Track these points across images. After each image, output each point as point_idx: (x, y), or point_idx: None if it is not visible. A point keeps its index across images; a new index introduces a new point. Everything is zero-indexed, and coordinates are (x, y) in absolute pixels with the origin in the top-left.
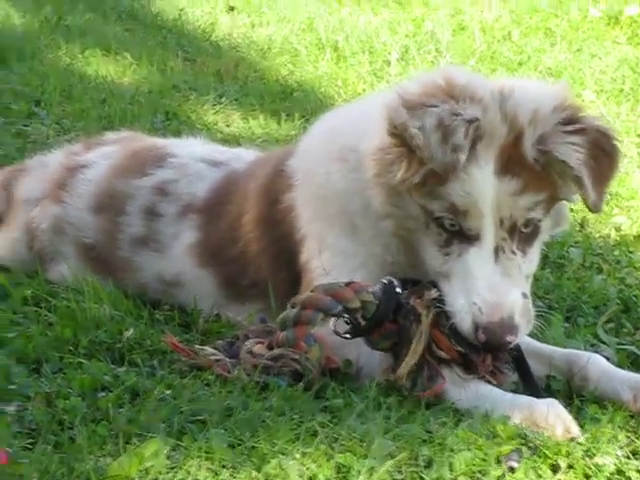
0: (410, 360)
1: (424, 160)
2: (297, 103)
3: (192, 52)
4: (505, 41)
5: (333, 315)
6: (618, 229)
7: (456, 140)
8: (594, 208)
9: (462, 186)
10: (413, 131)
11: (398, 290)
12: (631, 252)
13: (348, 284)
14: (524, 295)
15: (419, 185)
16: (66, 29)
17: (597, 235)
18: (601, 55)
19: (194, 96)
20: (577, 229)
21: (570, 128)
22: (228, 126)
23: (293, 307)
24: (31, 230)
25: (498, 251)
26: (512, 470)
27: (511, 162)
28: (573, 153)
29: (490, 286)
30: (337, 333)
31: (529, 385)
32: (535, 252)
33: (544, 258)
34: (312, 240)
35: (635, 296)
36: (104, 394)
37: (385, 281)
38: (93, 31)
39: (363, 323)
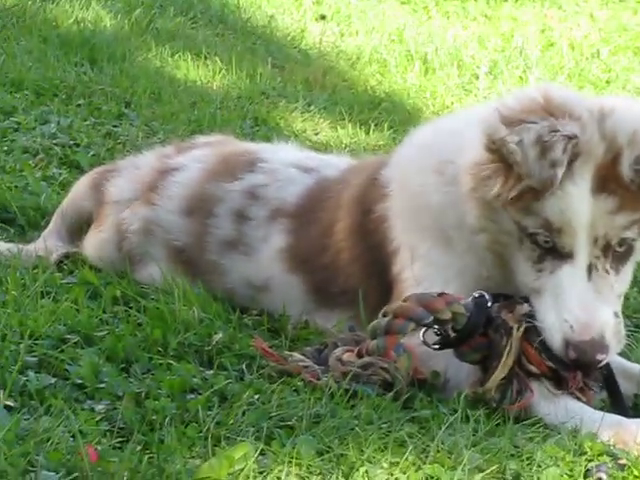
0: (499, 374)
1: (522, 175)
2: (385, 114)
3: (281, 59)
4: (593, 59)
5: (424, 325)
6: None
7: (554, 155)
8: None
9: (557, 203)
10: (511, 146)
11: (489, 304)
12: None
13: (440, 295)
14: (616, 314)
15: (515, 200)
16: (156, 32)
17: None
18: None
19: (283, 103)
20: None
21: None
22: (317, 134)
23: (385, 316)
24: (121, 231)
25: (591, 269)
26: None
27: (607, 181)
28: None
29: (582, 304)
30: (426, 344)
31: (618, 404)
32: (628, 271)
33: (633, 279)
34: (405, 251)
35: None
36: (193, 396)
37: (476, 294)
38: (183, 35)
39: (453, 335)
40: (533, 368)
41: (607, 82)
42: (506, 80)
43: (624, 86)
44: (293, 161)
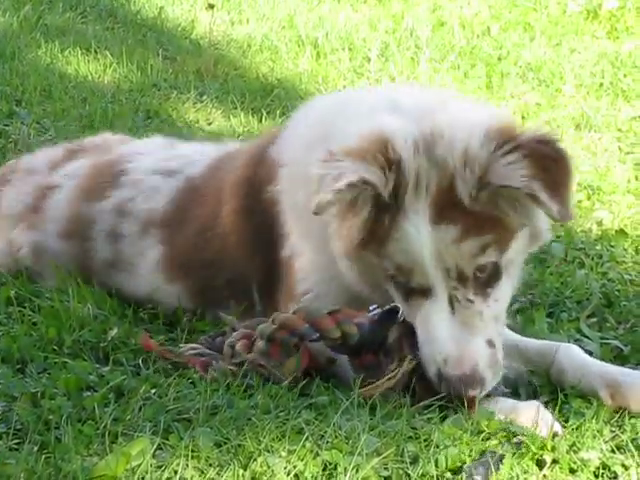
0: (380, 388)
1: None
2: (278, 100)
3: (172, 50)
4: (484, 36)
5: (309, 341)
6: (600, 224)
7: (326, 183)
8: (562, 218)
9: (398, 245)
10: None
11: (392, 322)
12: (613, 246)
13: (333, 312)
14: (490, 343)
15: (368, 246)
16: (45, 28)
17: (579, 230)
18: (580, 49)
19: (175, 94)
20: (559, 224)
21: (504, 150)
22: (209, 124)
23: (273, 323)
24: (13, 252)
25: (453, 302)
26: None
27: (446, 209)
28: (513, 173)
29: (451, 339)
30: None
31: None
32: (501, 290)
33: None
34: (295, 239)
35: (617, 290)
36: (89, 394)
37: (379, 312)
38: (73, 30)
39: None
40: None
41: (499, 59)
42: (397, 62)
43: (515, 62)
44: (155, 167)
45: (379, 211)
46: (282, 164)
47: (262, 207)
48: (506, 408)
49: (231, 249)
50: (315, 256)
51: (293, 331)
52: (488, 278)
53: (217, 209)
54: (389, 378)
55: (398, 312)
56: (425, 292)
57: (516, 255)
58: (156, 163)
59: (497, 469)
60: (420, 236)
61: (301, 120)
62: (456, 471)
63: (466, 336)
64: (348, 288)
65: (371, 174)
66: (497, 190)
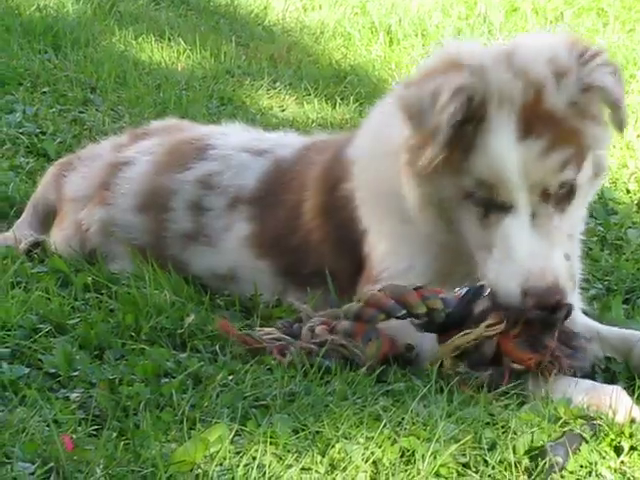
0: (458, 341)
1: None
2: (351, 87)
3: (245, 37)
4: (557, 22)
5: (396, 317)
6: None
7: (440, 104)
8: (623, 124)
9: (484, 159)
10: (408, 105)
11: (480, 299)
12: None
13: (417, 288)
14: (566, 256)
15: (446, 164)
16: (119, 15)
17: None
18: None
19: (248, 81)
20: (634, 210)
21: (590, 55)
22: (283, 111)
23: (358, 301)
24: (81, 231)
25: (535, 217)
26: (557, 466)
27: (532, 122)
28: (606, 77)
29: (532, 252)
30: (412, 322)
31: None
32: (576, 209)
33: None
34: (372, 232)
35: None
36: (167, 380)
37: (468, 288)
38: (146, 17)
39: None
40: (517, 366)
41: None
42: None
43: None
44: (244, 145)
45: (464, 123)
46: (354, 161)
47: (340, 205)
48: (585, 388)
49: (315, 244)
50: (393, 238)
51: (380, 307)
52: (566, 195)
53: (301, 201)
54: (466, 334)
55: (484, 288)
56: (507, 208)
57: (585, 180)
58: (244, 142)
59: (575, 452)
60: (506, 151)
61: (374, 116)
62: (534, 457)
63: (546, 250)
64: (429, 264)
65: (464, 79)
66: (590, 95)
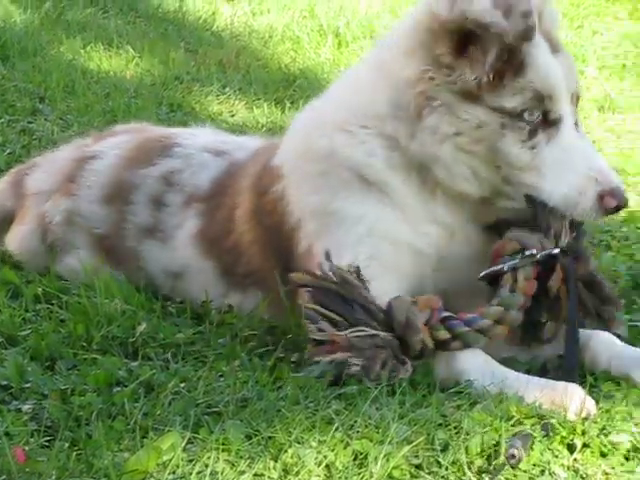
0: None
1: (494, 41)
2: (300, 90)
3: (194, 43)
4: None
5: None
6: None
7: (522, 7)
8: None
9: (541, 70)
10: (475, 12)
11: None
12: (639, 228)
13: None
14: None
15: (494, 82)
16: (67, 24)
17: None
18: (602, 31)
19: (197, 87)
20: None
21: None
22: (233, 116)
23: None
24: (44, 223)
25: (576, 126)
26: (514, 459)
27: (552, 40)
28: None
29: (593, 157)
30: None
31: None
32: None
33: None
34: (310, 222)
35: None
36: (119, 389)
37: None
38: (94, 25)
39: None
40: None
41: None
42: None
43: None
44: (207, 145)
45: (509, 48)
46: (282, 165)
47: (269, 209)
48: (538, 386)
49: (246, 246)
50: (351, 208)
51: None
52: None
53: (235, 205)
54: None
55: None
56: (555, 122)
57: None
58: (209, 142)
59: (527, 451)
60: (553, 64)
61: (299, 120)
62: (487, 457)
63: (598, 154)
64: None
65: None
66: None
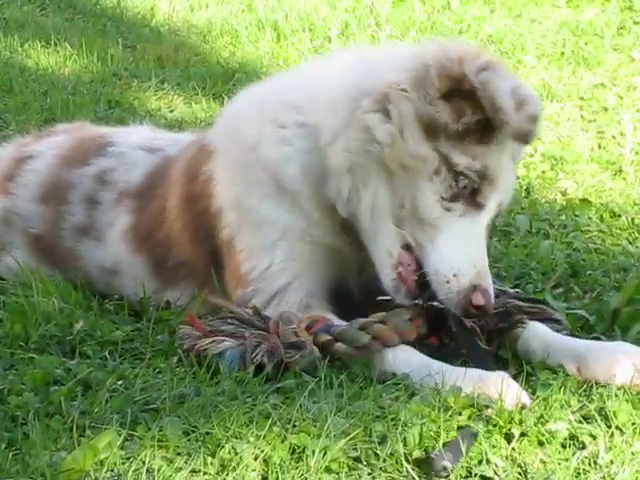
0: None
1: (496, 121)
2: (239, 84)
3: (132, 39)
4: (444, 10)
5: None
6: (564, 193)
7: (532, 110)
8: None
9: (500, 155)
10: (494, 90)
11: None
12: (577, 216)
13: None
14: None
15: (459, 134)
16: (4, 22)
17: (543, 200)
18: (541, 19)
19: (136, 83)
20: (523, 195)
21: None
22: (171, 111)
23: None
24: None
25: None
26: (445, 471)
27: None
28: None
29: (485, 256)
30: None
31: (477, 358)
32: None
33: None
34: (231, 211)
35: (583, 260)
36: (57, 388)
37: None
38: (32, 23)
39: None
40: None
41: (459, 32)
42: (358, 40)
43: (476, 35)
44: (141, 143)
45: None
46: (213, 144)
47: (198, 192)
48: (473, 378)
49: (176, 234)
50: (264, 211)
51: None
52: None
53: (167, 195)
54: None
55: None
56: (478, 205)
57: None
58: (143, 140)
59: (469, 447)
60: (509, 160)
61: (233, 103)
62: (425, 449)
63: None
64: (304, 248)
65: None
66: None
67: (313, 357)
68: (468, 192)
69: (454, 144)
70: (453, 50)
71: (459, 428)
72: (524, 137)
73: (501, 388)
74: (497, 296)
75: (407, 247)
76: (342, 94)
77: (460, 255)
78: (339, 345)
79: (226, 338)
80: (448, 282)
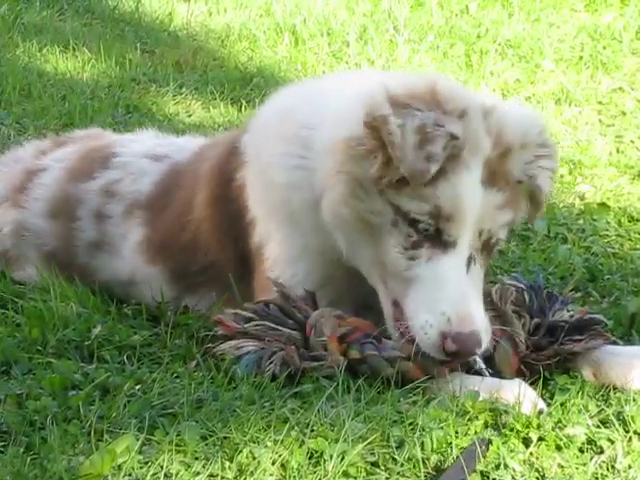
0: None
1: (394, 159)
2: (257, 89)
3: (150, 44)
4: (463, 15)
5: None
6: (582, 198)
7: (432, 149)
8: (532, 222)
9: (452, 189)
10: (392, 127)
11: None
12: (595, 220)
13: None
14: (483, 307)
15: (397, 184)
16: (23, 27)
17: (561, 205)
18: (559, 24)
19: (154, 88)
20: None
21: (544, 152)
22: (189, 116)
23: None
24: None
25: (470, 261)
26: None
27: (497, 175)
28: (547, 180)
29: (462, 296)
30: None
31: None
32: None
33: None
34: (261, 224)
35: (601, 264)
36: (74, 392)
37: None
38: (50, 28)
39: None
40: None
41: (478, 37)
42: (376, 45)
43: (494, 39)
44: (145, 151)
45: None
46: (248, 151)
47: (232, 195)
48: (489, 386)
49: (204, 236)
50: (281, 234)
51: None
52: (492, 250)
53: (193, 196)
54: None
55: None
56: (447, 244)
57: None
58: (147, 148)
59: (485, 454)
60: (474, 189)
61: (267, 108)
62: (442, 453)
63: (474, 297)
64: (324, 264)
65: (456, 129)
66: (531, 184)
67: (332, 371)
68: (432, 234)
69: (399, 192)
70: (381, 96)
71: (475, 433)
72: (413, 176)
73: (518, 394)
74: (538, 327)
75: (395, 303)
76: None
77: (427, 304)
78: (365, 368)
79: (249, 342)
80: (426, 334)
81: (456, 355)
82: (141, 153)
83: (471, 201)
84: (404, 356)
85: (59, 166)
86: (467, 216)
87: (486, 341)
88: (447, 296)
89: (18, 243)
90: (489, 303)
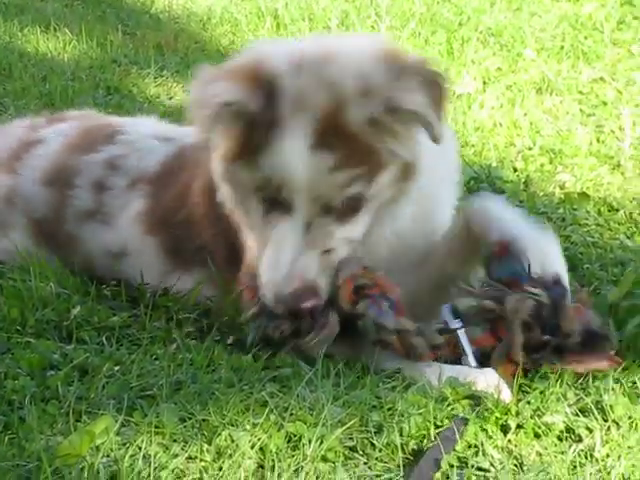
0: None
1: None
2: None
3: (132, 25)
4: (444, 2)
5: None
6: (562, 187)
7: (203, 116)
8: (438, 139)
9: (274, 159)
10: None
11: None
12: (575, 209)
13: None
14: (327, 252)
15: (240, 155)
16: (4, 7)
17: (541, 194)
18: (541, 13)
19: (135, 70)
20: (521, 188)
21: (403, 74)
22: (170, 99)
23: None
24: None
25: (310, 226)
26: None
27: (328, 135)
28: (417, 99)
29: (292, 260)
30: None
31: None
32: (362, 218)
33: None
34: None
35: (581, 253)
36: (53, 373)
37: None
38: (31, 8)
39: None
40: None
41: (460, 24)
42: (358, 31)
43: (476, 28)
44: (154, 133)
45: (255, 126)
46: None
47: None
48: (462, 375)
49: (197, 218)
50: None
51: None
52: (352, 207)
53: (192, 179)
54: None
55: None
56: (287, 209)
57: (383, 190)
58: (155, 130)
59: (462, 434)
60: (295, 157)
61: None
62: (421, 439)
63: (307, 257)
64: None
65: (237, 93)
66: (396, 116)
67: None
68: (274, 202)
69: (243, 163)
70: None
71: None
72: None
73: (491, 384)
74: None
75: None
76: None
77: (268, 266)
78: (361, 326)
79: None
80: (264, 293)
81: (292, 313)
82: (149, 134)
83: (294, 170)
84: (395, 328)
85: (59, 139)
86: (293, 184)
87: (314, 299)
88: (281, 259)
89: (5, 210)
90: (490, 312)
